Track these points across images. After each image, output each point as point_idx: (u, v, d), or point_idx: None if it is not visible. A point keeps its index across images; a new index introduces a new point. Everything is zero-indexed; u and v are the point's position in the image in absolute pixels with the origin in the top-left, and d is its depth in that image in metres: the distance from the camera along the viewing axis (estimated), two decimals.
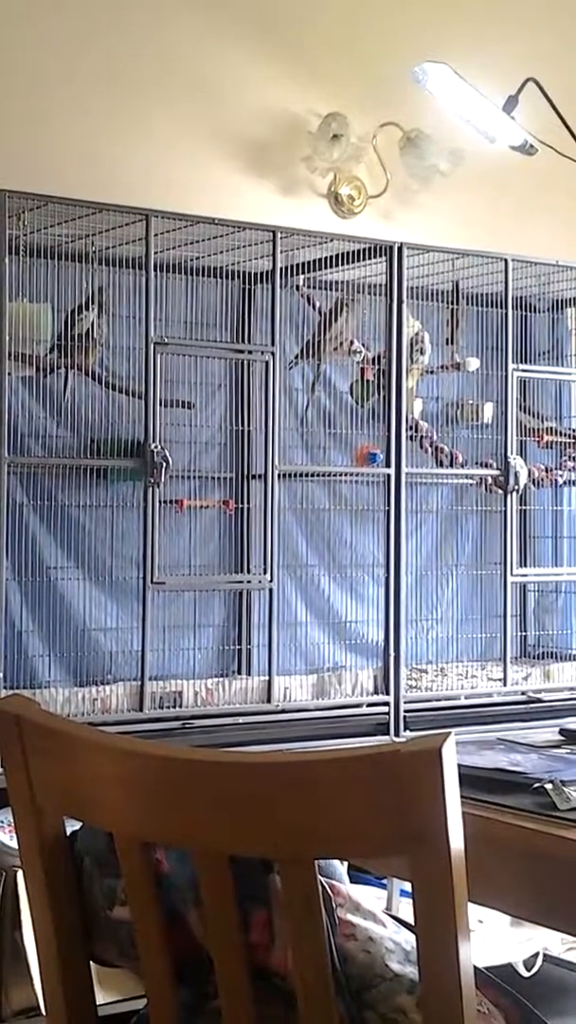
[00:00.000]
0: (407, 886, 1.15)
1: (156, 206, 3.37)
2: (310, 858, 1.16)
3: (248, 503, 3.80)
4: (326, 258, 3.72)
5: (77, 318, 3.35)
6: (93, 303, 3.35)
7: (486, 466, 3.91)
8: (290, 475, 3.73)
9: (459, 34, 4.11)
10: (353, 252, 3.68)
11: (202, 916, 1.26)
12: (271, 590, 3.53)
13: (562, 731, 2.10)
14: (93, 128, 3.68)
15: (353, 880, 1.35)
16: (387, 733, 3.59)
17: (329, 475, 3.90)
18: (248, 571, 3.79)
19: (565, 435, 4.19)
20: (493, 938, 2.99)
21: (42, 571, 3.45)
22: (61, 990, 1.37)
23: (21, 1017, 2.58)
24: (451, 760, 1.10)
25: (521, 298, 4.11)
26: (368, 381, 3.76)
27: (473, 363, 3.94)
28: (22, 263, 3.27)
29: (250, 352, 3.74)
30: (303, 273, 3.74)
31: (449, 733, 1.10)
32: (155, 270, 3.33)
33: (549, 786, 1.70)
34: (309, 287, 3.78)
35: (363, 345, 3.76)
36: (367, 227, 4.04)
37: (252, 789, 1.17)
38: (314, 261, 3.73)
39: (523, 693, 3.88)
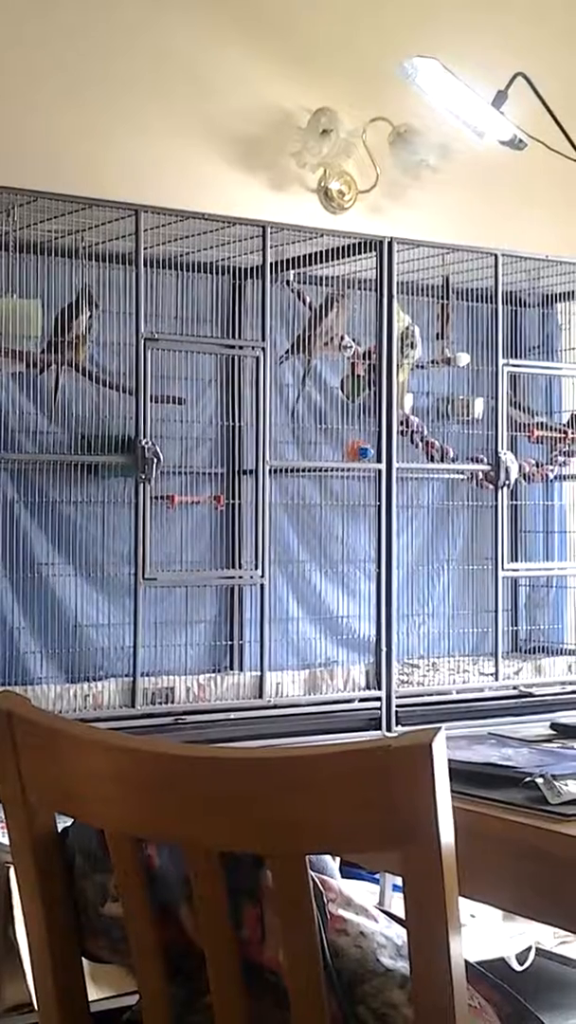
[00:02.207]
0: (400, 881, 1.15)
1: (146, 201, 3.36)
2: (301, 853, 1.16)
3: (239, 499, 3.80)
4: (316, 253, 3.72)
5: (72, 323, 3.34)
6: (86, 305, 3.34)
7: (477, 461, 3.92)
8: (281, 470, 3.73)
9: (448, 29, 4.11)
10: (343, 247, 3.69)
11: (193, 912, 1.26)
12: (262, 586, 3.53)
13: (553, 725, 2.11)
14: (83, 124, 3.67)
15: (345, 875, 1.35)
16: (379, 728, 3.60)
17: (320, 470, 3.90)
18: (239, 567, 3.79)
19: (555, 430, 4.20)
20: (485, 932, 3.00)
21: (33, 567, 3.45)
22: (53, 986, 1.37)
23: (14, 1013, 2.58)
24: (441, 755, 1.10)
25: (511, 293, 4.11)
26: (359, 376, 3.76)
27: (463, 358, 3.94)
28: (11, 259, 3.26)
29: (240, 348, 3.74)
30: (293, 268, 3.73)
31: (439, 728, 1.10)
32: (145, 266, 3.33)
33: (540, 780, 1.70)
34: (299, 282, 3.78)
35: (353, 340, 3.76)
36: (357, 222, 4.04)
37: (243, 785, 1.17)
38: (304, 256, 3.73)
39: (514, 687, 3.88)
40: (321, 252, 3.71)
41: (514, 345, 3.99)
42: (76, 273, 3.39)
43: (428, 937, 1.12)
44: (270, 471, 3.55)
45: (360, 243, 3.71)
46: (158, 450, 3.32)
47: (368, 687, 3.65)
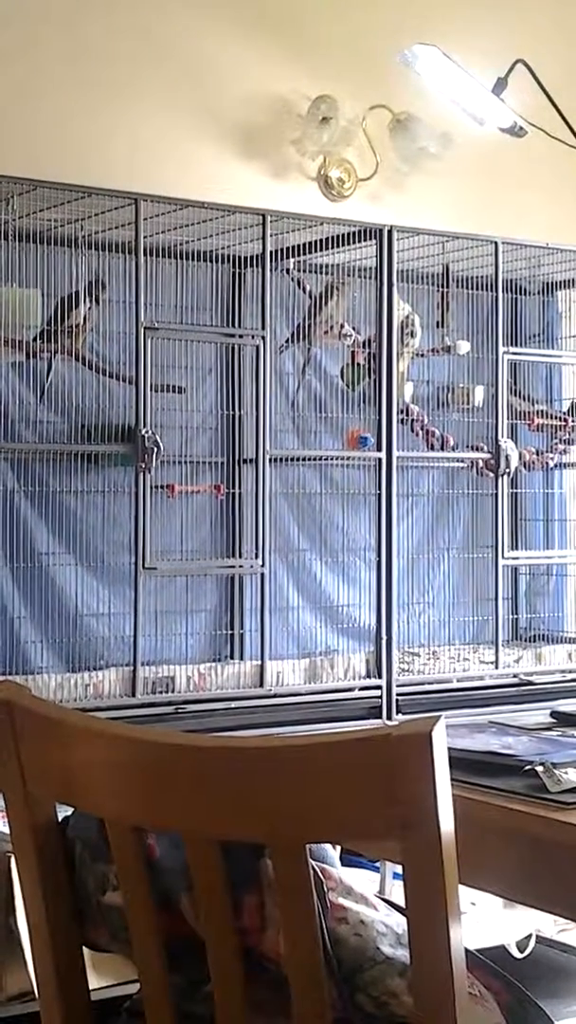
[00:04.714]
0: (400, 869, 1.15)
1: (145, 190, 3.36)
2: (301, 842, 1.16)
3: (239, 488, 3.79)
4: (316, 241, 3.71)
5: (71, 312, 3.33)
6: (88, 295, 3.34)
7: (477, 449, 3.91)
8: (281, 459, 3.73)
9: (449, 16, 4.10)
10: (343, 235, 3.68)
11: (194, 901, 1.26)
12: (263, 575, 3.53)
13: (553, 713, 2.11)
14: (82, 112, 3.66)
15: (346, 863, 1.35)
16: (379, 717, 3.60)
17: (320, 459, 3.90)
18: (240, 556, 3.79)
19: (556, 418, 4.19)
20: (485, 920, 3.00)
21: (34, 557, 3.45)
22: (54, 975, 1.37)
23: (15, 1001, 2.58)
24: (441, 743, 1.10)
25: (511, 281, 4.11)
26: (359, 365, 3.76)
27: (464, 346, 3.93)
28: (11, 248, 3.26)
29: (241, 336, 3.73)
30: (293, 256, 3.73)
31: (439, 716, 1.10)
32: (145, 254, 3.32)
33: (540, 768, 1.70)
34: (299, 270, 3.78)
35: (353, 328, 3.76)
36: (357, 210, 4.03)
37: (243, 774, 1.17)
38: (304, 244, 3.72)
39: (515, 676, 3.89)
40: (321, 240, 3.70)
41: (514, 333, 3.99)
42: (76, 262, 3.38)
43: (428, 925, 1.13)
44: (270, 460, 3.55)
45: (360, 231, 3.70)
46: (158, 439, 3.32)
47: (368, 676, 3.65)
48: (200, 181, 3.76)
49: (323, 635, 3.90)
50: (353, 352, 3.76)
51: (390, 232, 3.69)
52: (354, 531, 3.91)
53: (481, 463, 3.91)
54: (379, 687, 3.64)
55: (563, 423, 4.18)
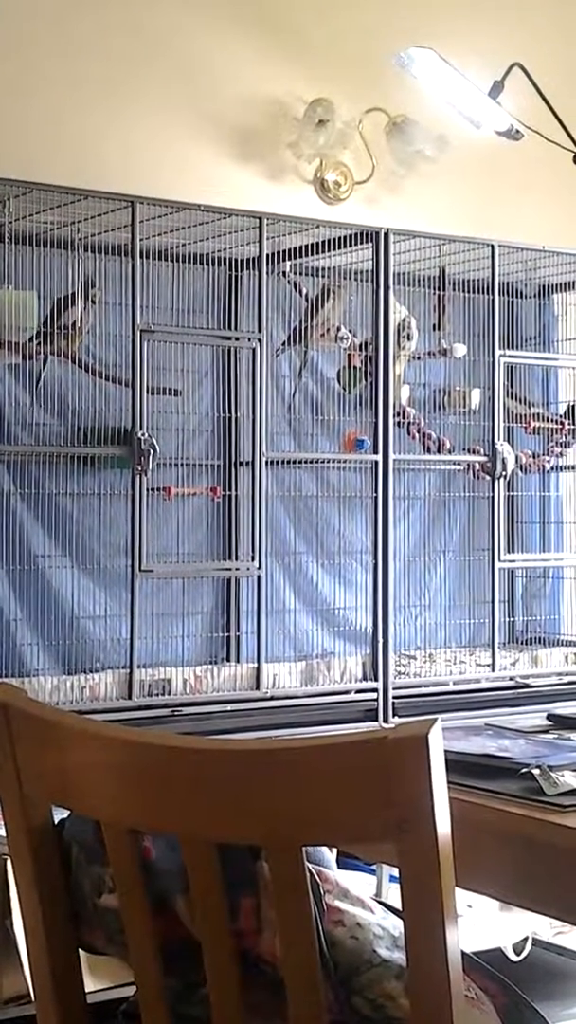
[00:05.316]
0: (396, 872, 1.15)
1: (142, 193, 3.36)
2: (297, 845, 1.16)
3: (236, 490, 3.79)
4: (312, 244, 3.72)
5: (64, 313, 3.33)
6: (82, 296, 3.34)
7: (473, 452, 3.92)
8: (278, 462, 3.73)
9: (445, 19, 4.10)
10: (339, 238, 3.68)
11: (190, 903, 1.26)
12: (259, 577, 3.53)
13: (550, 716, 2.11)
14: (79, 115, 3.66)
15: (342, 866, 1.36)
16: (376, 719, 3.60)
17: (317, 462, 3.90)
18: (236, 558, 3.78)
19: (552, 421, 4.20)
20: (482, 923, 3.00)
21: (30, 560, 3.45)
22: (50, 978, 1.36)
23: (11, 1004, 2.58)
24: (438, 746, 1.10)
25: (507, 283, 4.11)
26: (355, 368, 3.76)
27: (460, 349, 3.94)
28: (7, 251, 3.26)
29: (237, 339, 3.73)
30: (290, 259, 3.73)
31: (436, 719, 1.10)
32: (141, 257, 3.33)
33: (537, 771, 1.70)
34: (296, 273, 3.78)
35: (350, 331, 3.76)
36: (353, 213, 4.03)
37: (239, 776, 1.17)
38: (301, 247, 3.73)
39: (511, 679, 3.89)
40: (317, 243, 3.70)
41: (510, 336, 3.99)
42: (72, 265, 3.38)
43: (425, 928, 1.12)
44: (266, 463, 3.55)
45: (356, 234, 3.70)
46: (154, 442, 3.32)
47: (365, 678, 3.65)
48: (196, 184, 3.76)
49: (319, 638, 3.90)
50: (349, 355, 3.76)
51: (386, 235, 3.69)
52: (350, 534, 3.91)
53: (477, 466, 3.91)
54: (375, 690, 3.64)
55: (559, 426, 4.18)
